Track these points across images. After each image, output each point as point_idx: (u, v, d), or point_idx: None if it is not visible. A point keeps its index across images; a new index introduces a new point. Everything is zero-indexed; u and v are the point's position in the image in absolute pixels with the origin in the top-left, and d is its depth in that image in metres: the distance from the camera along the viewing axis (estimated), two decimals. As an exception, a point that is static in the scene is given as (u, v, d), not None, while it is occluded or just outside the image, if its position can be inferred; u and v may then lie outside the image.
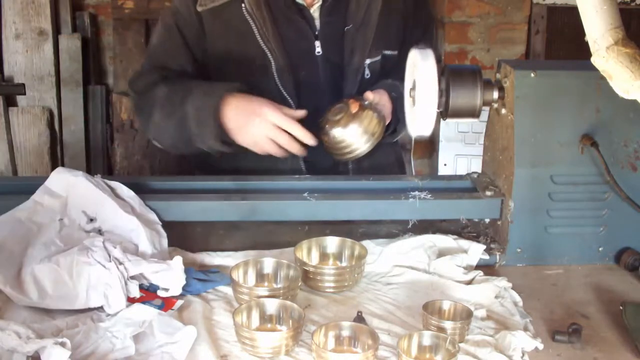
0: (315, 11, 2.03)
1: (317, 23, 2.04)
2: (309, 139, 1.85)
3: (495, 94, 1.63)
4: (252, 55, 1.98)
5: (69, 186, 1.61)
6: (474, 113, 1.59)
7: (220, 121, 1.85)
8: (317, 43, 2.03)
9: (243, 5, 1.95)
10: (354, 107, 1.86)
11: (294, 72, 2.00)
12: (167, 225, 1.64)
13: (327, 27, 2.03)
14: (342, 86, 2.04)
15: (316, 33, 2.04)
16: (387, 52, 2.09)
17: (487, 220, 1.77)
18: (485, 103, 1.61)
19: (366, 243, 1.64)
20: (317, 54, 2.04)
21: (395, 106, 1.96)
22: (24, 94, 3.69)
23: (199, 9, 1.99)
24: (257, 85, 1.95)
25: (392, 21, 2.09)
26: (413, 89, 1.63)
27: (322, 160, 2.00)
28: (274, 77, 1.98)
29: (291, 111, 1.89)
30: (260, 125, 1.83)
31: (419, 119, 1.63)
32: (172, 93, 1.94)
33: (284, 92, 1.99)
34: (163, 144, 2.05)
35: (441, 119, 1.72)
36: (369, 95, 1.90)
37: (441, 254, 1.63)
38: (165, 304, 1.43)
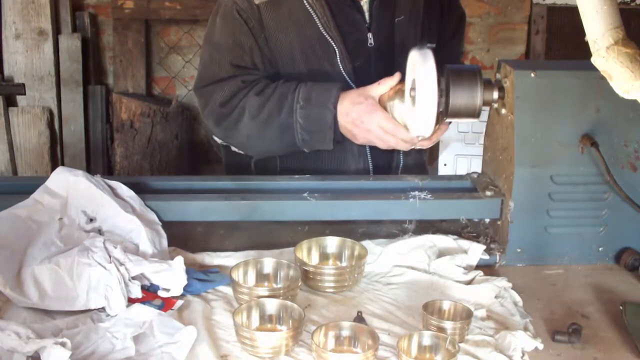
0: (365, 3, 2.07)
1: (367, 16, 2.07)
2: (408, 144, 1.89)
3: (495, 94, 1.63)
4: (315, 43, 2.02)
5: (69, 186, 1.61)
6: (474, 113, 1.60)
7: (335, 127, 1.93)
8: (370, 35, 2.07)
9: None
10: (395, 86, 1.86)
11: (351, 62, 2.04)
12: (167, 225, 1.64)
13: (378, 19, 2.07)
14: None
15: (367, 25, 2.07)
16: (429, 45, 2.11)
17: (487, 220, 1.77)
18: (485, 103, 1.61)
19: (366, 243, 1.64)
20: (369, 45, 2.07)
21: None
22: (24, 94, 3.69)
23: (257, 1, 2.01)
24: (323, 71, 2.01)
25: (432, 13, 2.14)
26: (413, 89, 1.63)
27: (387, 159, 2.08)
28: (338, 63, 2.02)
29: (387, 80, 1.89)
30: (370, 133, 1.89)
31: (419, 119, 1.63)
32: (266, 102, 1.97)
33: (347, 78, 2.03)
34: (248, 149, 2.10)
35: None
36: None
37: (441, 254, 1.63)
38: (165, 304, 1.43)
